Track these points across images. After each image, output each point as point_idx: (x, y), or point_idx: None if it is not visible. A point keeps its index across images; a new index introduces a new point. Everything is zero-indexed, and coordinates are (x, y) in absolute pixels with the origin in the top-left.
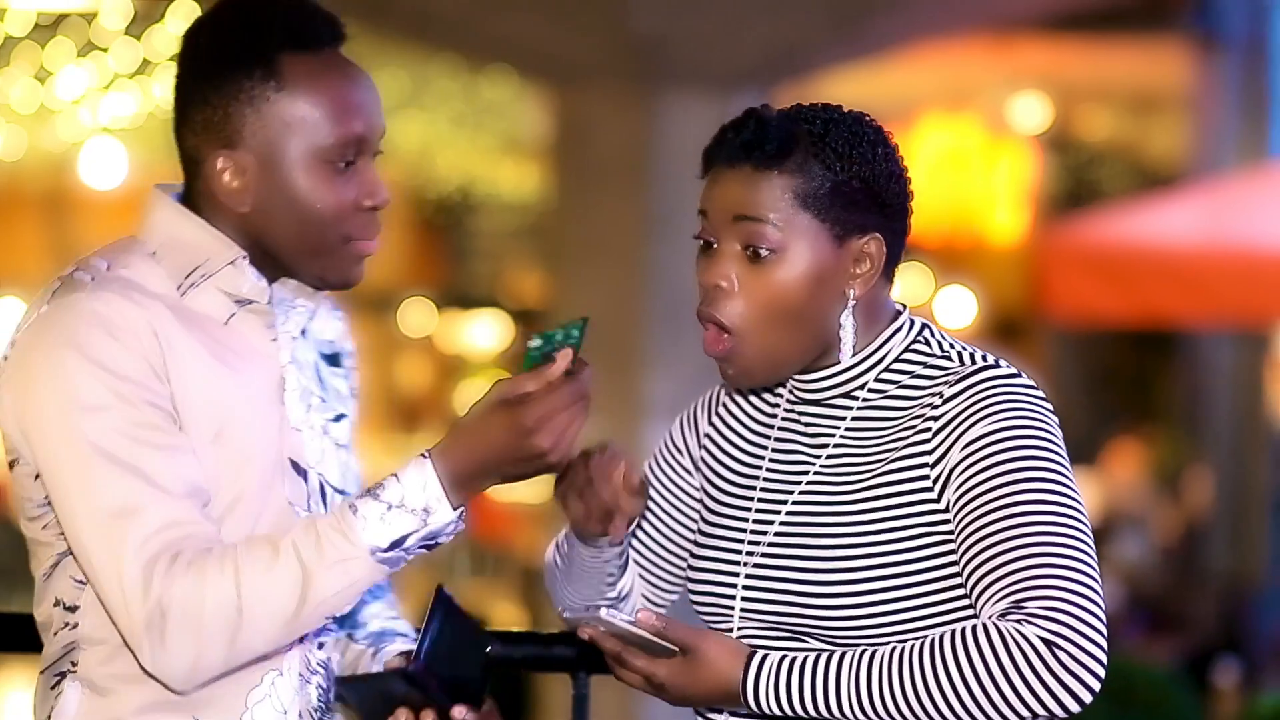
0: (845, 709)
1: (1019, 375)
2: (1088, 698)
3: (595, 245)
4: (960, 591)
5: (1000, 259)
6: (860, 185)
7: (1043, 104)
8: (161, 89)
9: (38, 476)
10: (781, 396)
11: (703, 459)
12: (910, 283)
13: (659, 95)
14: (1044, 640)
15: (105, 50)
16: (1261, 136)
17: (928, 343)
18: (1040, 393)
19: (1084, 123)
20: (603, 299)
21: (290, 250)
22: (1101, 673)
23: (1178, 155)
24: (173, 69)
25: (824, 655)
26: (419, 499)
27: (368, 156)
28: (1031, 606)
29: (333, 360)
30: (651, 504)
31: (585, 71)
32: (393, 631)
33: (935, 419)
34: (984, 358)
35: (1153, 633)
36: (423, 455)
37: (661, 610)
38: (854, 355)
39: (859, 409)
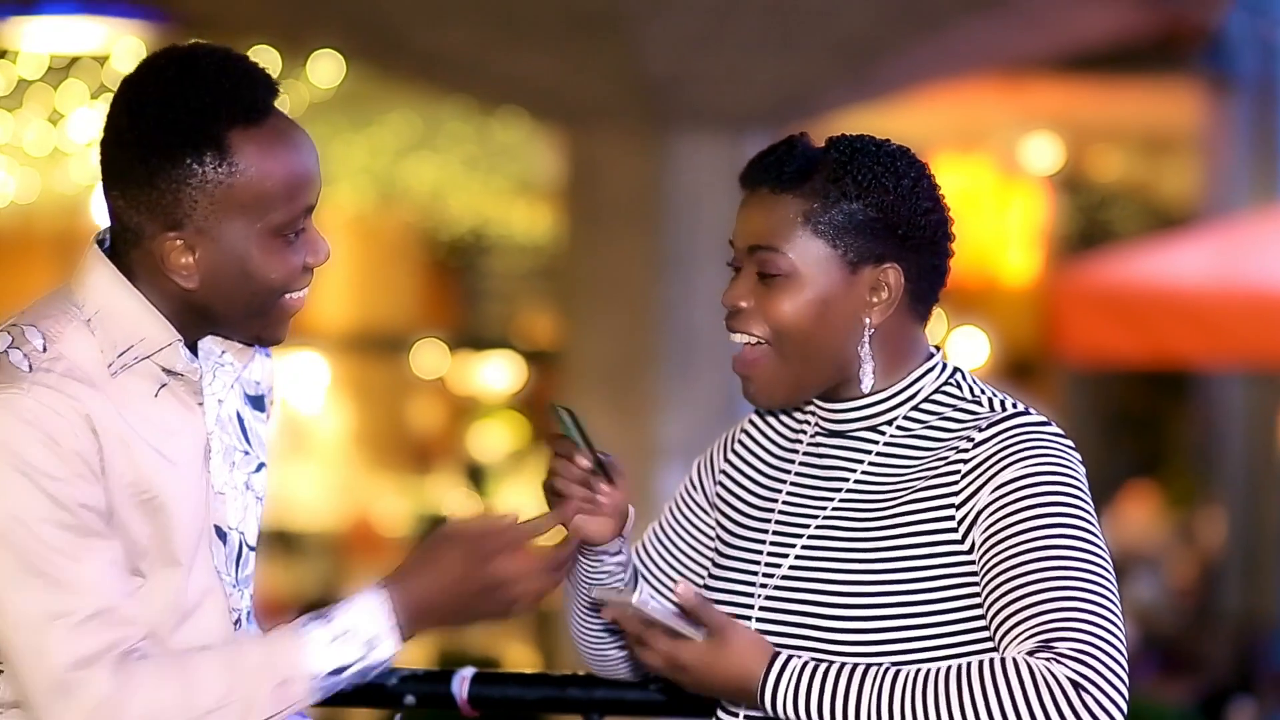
0: None
1: (1049, 424)
2: None
3: (607, 286)
4: (976, 634)
5: (1013, 300)
6: (877, 214)
7: (1054, 145)
8: None
9: None
10: (805, 430)
11: (718, 495)
12: None
13: (670, 137)
14: (1072, 682)
15: None
16: (1273, 177)
17: (959, 386)
18: (1069, 441)
19: (1096, 163)
20: (614, 340)
21: (233, 316)
22: (1121, 719)
23: (1189, 196)
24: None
25: (849, 666)
26: (369, 629)
27: (310, 216)
28: (1061, 647)
29: (257, 403)
30: (666, 540)
31: (597, 113)
32: None
33: (965, 461)
34: (1014, 405)
35: (1167, 673)
36: (378, 584)
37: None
38: (884, 390)
39: (884, 445)
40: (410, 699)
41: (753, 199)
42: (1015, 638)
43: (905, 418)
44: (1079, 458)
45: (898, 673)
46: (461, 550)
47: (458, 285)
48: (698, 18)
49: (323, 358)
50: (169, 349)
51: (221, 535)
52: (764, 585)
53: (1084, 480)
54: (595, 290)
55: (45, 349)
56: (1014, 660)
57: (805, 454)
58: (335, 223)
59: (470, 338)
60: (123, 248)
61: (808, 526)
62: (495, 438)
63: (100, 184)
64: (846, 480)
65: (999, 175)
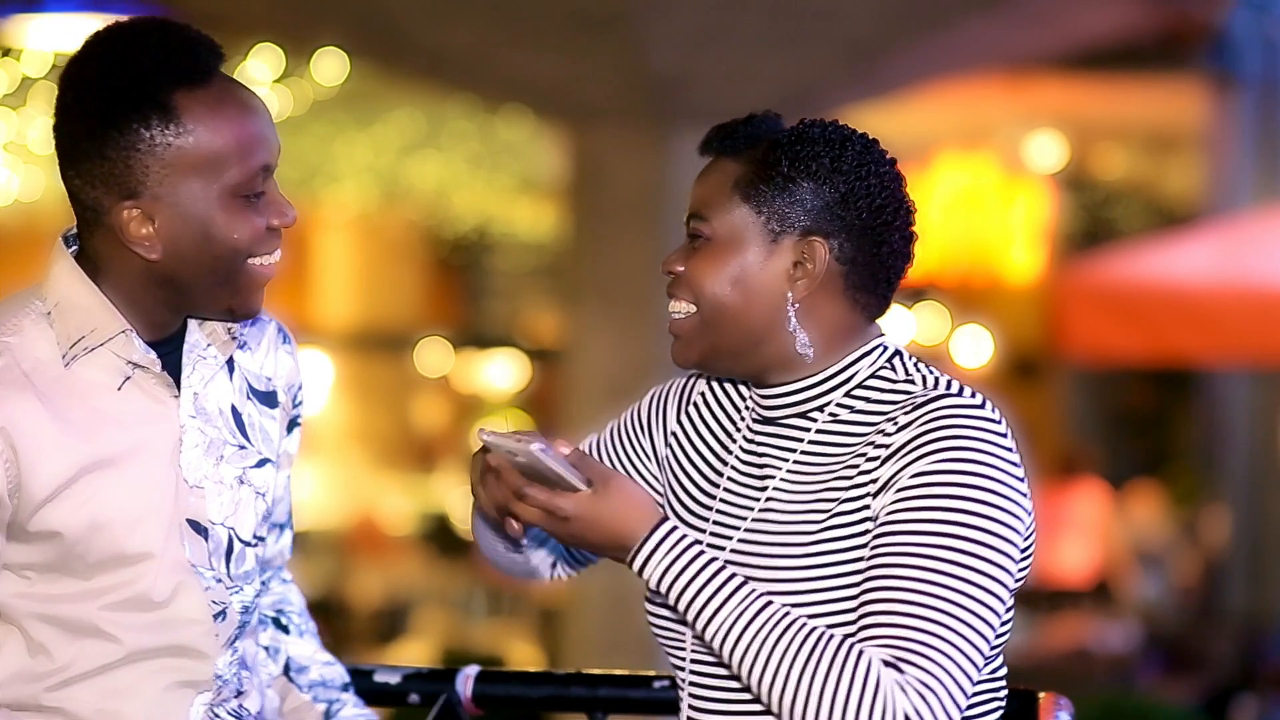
0: (707, 626)
1: (981, 405)
2: None
3: (611, 284)
4: None
5: (1017, 298)
6: (810, 186)
7: (1059, 143)
8: None
9: None
10: (745, 417)
11: (668, 461)
12: (927, 322)
13: (674, 135)
14: (906, 716)
15: None
16: (1276, 175)
17: (895, 369)
18: (1000, 426)
19: (1100, 161)
20: (618, 338)
21: (201, 286)
22: None
23: (1193, 194)
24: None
25: (728, 573)
26: None
27: (271, 178)
28: (910, 672)
29: (266, 399)
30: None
31: (601, 111)
32: (334, 683)
33: (886, 447)
34: (949, 384)
35: (1171, 671)
36: None
37: (572, 574)
38: (813, 375)
39: (815, 433)
40: (414, 697)
41: (702, 170)
42: (873, 638)
43: (838, 404)
44: (1010, 444)
45: (766, 605)
46: None
47: (461, 283)
48: (702, 17)
49: (326, 356)
50: (121, 338)
51: (199, 529)
52: None
53: (1009, 469)
54: (599, 288)
55: None
56: (869, 663)
57: (743, 442)
58: (339, 221)
59: (474, 336)
60: (87, 233)
61: (744, 519)
62: None
63: (58, 168)
64: (779, 470)
65: (1003, 173)
